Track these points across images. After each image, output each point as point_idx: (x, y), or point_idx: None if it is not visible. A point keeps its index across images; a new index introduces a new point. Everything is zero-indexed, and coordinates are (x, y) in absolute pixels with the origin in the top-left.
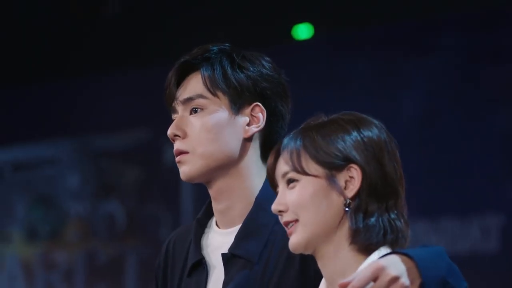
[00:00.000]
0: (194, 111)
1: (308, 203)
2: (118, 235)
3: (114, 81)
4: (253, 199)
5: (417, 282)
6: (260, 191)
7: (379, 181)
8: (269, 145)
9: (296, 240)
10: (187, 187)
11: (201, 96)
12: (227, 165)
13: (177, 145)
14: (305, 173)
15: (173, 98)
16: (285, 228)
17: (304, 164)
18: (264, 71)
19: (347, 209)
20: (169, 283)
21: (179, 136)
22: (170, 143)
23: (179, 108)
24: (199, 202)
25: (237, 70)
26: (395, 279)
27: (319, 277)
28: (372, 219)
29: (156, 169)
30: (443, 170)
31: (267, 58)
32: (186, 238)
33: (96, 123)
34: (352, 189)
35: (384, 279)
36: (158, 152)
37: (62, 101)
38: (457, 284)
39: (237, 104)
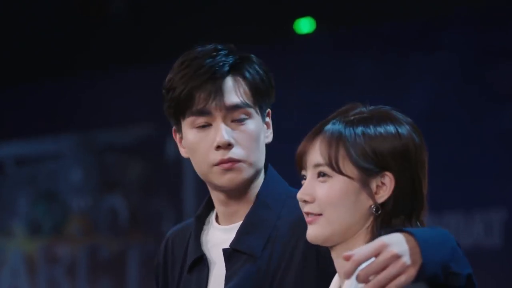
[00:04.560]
0: (238, 119)
1: (337, 202)
2: (121, 230)
3: (117, 78)
4: (255, 196)
5: (418, 263)
6: (262, 187)
7: (408, 193)
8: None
9: (315, 233)
10: (190, 182)
11: (247, 105)
12: (260, 172)
13: (226, 154)
14: (340, 172)
15: (208, 101)
16: (305, 215)
17: (340, 162)
18: (269, 74)
19: (374, 212)
20: (169, 280)
21: (230, 145)
22: (172, 139)
23: (219, 113)
24: (202, 197)
25: (266, 76)
26: (397, 257)
27: (323, 272)
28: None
29: (159, 164)
30: (447, 166)
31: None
32: (185, 235)
33: (100, 118)
34: (382, 196)
35: (385, 256)
36: (161, 148)
37: (66, 97)
38: (460, 269)
39: (264, 112)
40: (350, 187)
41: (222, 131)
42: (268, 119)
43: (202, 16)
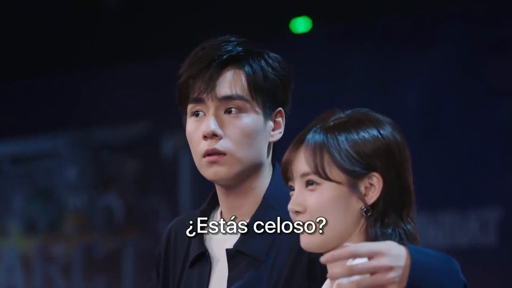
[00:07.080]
0: (229, 111)
1: (328, 209)
2: (117, 228)
3: (113, 75)
4: (262, 196)
5: (403, 285)
6: (268, 188)
7: (397, 190)
8: (278, 146)
9: (310, 241)
10: (185, 180)
11: (241, 97)
12: (254, 169)
13: (213, 144)
14: (327, 179)
15: (202, 90)
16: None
17: (327, 169)
18: (288, 73)
19: (365, 214)
20: (171, 272)
21: (216, 136)
22: (168, 136)
23: (211, 103)
24: (197, 194)
25: (273, 74)
26: (387, 269)
27: (325, 276)
28: (389, 229)
29: (155, 162)
30: (443, 163)
31: (279, 56)
32: (188, 227)
33: (95, 116)
34: (372, 197)
35: (375, 263)
36: (156, 145)
37: (61, 95)
38: None
39: (270, 110)
40: (339, 192)
41: (210, 121)
42: (280, 119)
43: (199, 14)
